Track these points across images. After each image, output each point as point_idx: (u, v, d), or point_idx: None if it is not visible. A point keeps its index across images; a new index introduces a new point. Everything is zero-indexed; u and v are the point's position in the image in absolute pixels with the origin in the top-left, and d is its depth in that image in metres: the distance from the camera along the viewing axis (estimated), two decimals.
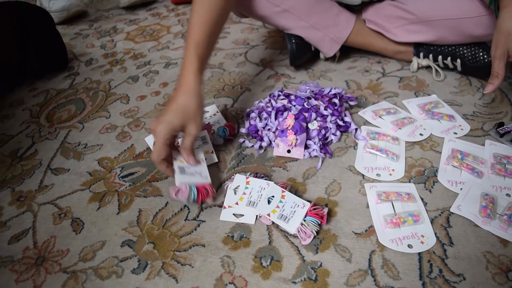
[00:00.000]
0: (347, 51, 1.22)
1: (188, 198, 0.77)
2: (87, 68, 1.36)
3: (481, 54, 1.05)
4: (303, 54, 1.17)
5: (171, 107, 0.78)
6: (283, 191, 0.78)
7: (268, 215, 0.74)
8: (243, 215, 0.77)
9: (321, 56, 1.21)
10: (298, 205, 0.75)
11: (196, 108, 0.79)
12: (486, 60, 1.04)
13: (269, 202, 0.76)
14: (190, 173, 0.81)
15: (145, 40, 1.51)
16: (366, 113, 0.99)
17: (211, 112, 1.02)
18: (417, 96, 1.05)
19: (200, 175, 0.81)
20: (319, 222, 0.72)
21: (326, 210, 0.75)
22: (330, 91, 0.96)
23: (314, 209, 0.74)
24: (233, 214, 0.77)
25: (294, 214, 0.74)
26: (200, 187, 0.79)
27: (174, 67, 1.30)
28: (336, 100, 0.94)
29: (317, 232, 0.72)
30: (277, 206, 0.75)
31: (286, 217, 0.74)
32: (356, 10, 1.19)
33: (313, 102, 0.94)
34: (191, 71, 0.81)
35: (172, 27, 1.60)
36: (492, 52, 0.84)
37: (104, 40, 1.56)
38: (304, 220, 0.72)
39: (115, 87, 1.23)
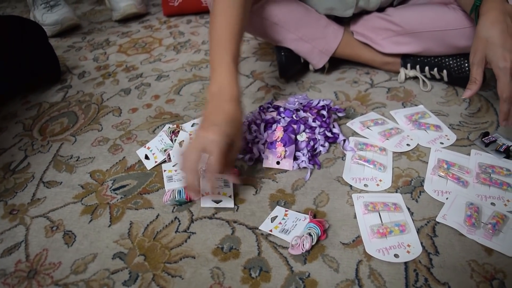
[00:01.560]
0: (336, 62, 1.24)
1: (173, 199, 0.83)
2: (80, 81, 1.37)
3: (466, 65, 1.08)
4: (293, 66, 1.19)
5: (221, 116, 0.75)
6: (286, 211, 0.80)
7: (271, 230, 0.76)
8: (221, 200, 0.82)
9: (311, 67, 1.23)
10: (300, 219, 0.78)
11: (241, 120, 0.80)
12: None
13: (272, 221, 0.78)
14: (178, 179, 0.88)
15: (137, 53, 1.53)
16: (354, 124, 1.01)
17: None
18: (404, 107, 1.07)
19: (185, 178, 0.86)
20: (319, 234, 0.74)
21: (327, 225, 0.76)
22: (318, 103, 0.97)
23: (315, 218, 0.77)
24: (212, 201, 0.82)
25: (295, 227, 0.76)
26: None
27: (165, 80, 1.31)
28: (324, 112, 0.96)
29: (312, 247, 0.73)
30: (279, 223, 0.77)
31: (288, 230, 0.76)
32: (344, 22, 1.21)
33: (302, 114, 0.95)
34: (233, 82, 0.80)
35: (164, 40, 1.61)
36: (471, 58, 0.86)
37: (97, 52, 1.57)
38: (309, 228, 0.74)
39: (107, 100, 1.24)
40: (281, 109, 0.97)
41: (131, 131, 1.08)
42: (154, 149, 0.98)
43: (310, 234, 0.73)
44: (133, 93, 1.26)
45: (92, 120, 1.15)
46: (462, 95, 0.87)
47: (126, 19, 1.85)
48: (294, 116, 0.94)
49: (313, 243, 0.73)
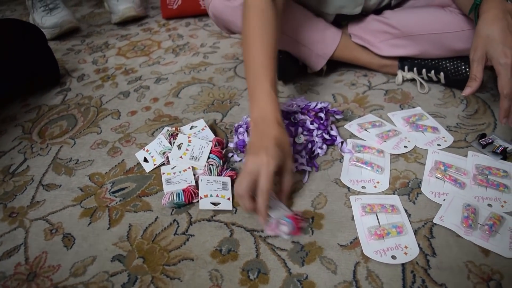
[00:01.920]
0: (334, 64, 1.24)
1: (172, 201, 0.83)
2: (79, 84, 1.38)
3: (463, 67, 1.08)
4: (291, 69, 1.20)
5: (269, 141, 0.76)
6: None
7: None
8: (220, 203, 0.83)
9: (309, 70, 1.24)
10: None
11: (289, 143, 0.80)
12: (468, 73, 1.07)
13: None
14: (176, 182, 0.88)
15: (136, 56, 1.53)
16: (352, 126, 1.01)
17: (199, 127, 1.04)
18: (402, 109, 1.08)
19: (185, 181, 0.88)
20: (293, 226, 0.75)
21: (305, 224, 0.78)
22: (316, 105, 0.98)
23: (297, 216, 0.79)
24: (211, 203, 0.83)
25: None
26: (186, 189, 0.85)
27: (164, 82, 1.32)
28: (322, 115, 0.96)
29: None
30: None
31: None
32: (342, 25, 1.22)
33: (300, 116, 0.96)
34: (275, 107, 0.81)
35: (163, 42, 1.62)
36: (471, 55, 0.85)
37: (96, 55, 1.57)
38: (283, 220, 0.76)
39: (106, 103, 1.25)
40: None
41: (130, 134, 1.09)
42: (153, 152, 0.98)
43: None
44: (132, 96, 1.27)
45: (91, 123, 1.16)
46: (462, 93, 0.87)
47: (125, 22, 1.86)
48: (292, 118, 0.95)
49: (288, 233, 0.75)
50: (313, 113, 0.97)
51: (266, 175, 0.73)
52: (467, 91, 0.85)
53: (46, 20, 1.74)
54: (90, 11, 2.07)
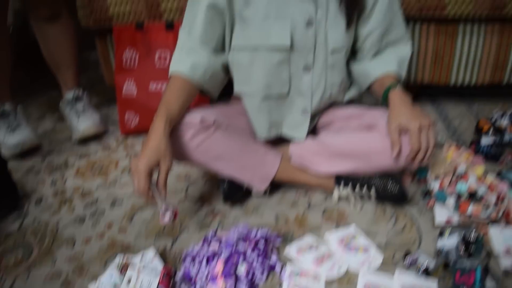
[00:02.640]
0: (277, 184, 1.35)
1: None
2: (37, 209, 1.42)
3: (390, 184, 1.21)
4: (236, 192, 1.29)
5: (147, 148, 1.05)
6: None
7: None
8: None
9: (253, 192, 1.33)
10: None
11: (165, 148, 1.07)
12: (394, 191, 1.20)
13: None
14: None
15: (94, 176, 1.59)
16: (291, 251, 1.09)
17: (149, 257, 1.08)
18: (338, 227, 1.18)
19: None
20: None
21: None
22: (256, 234, 1.07)
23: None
24: None
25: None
26: None
27: (119, 206, 1.38)
28: (261, 243, 1.05)
29: None
30: None
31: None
32: (282, 146, 1.35)
33: (241, 246, 1.04)
34: (160, 121, 1.08)
35: (120, 161, 1.68)
36: (388, 128, 1.14)
37: (55, 176, 1.62)
38: None
39: (62, 229, 1.29)
40: (223, 240, 1.06)
41: (83, 265, 1.13)
42: (104, 286, 1.02)
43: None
44: (87, 221, 1.32)
45: (47, 253, 1.19)
46: (391, 155, 1.14)
47: (86, 139, 1.93)
48: (234, 247, 1.03)
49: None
50: (254, 241, 1.06)
51: (140, 177, 1.03)
52: (394, 154, 1.13)
53: (8, 139, 1.79)
54: (53, 126, 2.13)
